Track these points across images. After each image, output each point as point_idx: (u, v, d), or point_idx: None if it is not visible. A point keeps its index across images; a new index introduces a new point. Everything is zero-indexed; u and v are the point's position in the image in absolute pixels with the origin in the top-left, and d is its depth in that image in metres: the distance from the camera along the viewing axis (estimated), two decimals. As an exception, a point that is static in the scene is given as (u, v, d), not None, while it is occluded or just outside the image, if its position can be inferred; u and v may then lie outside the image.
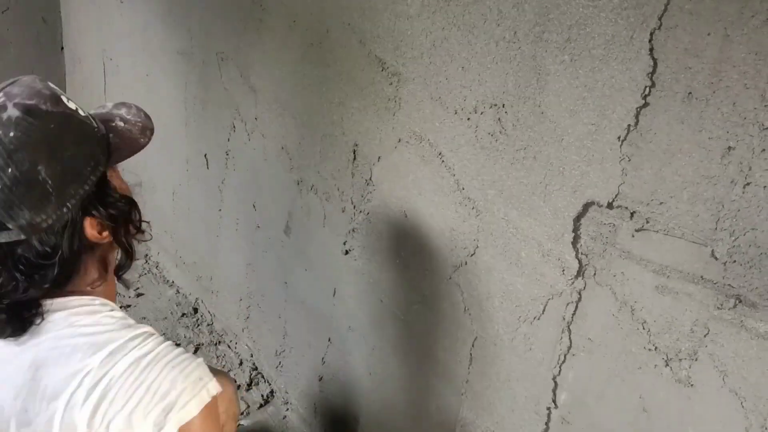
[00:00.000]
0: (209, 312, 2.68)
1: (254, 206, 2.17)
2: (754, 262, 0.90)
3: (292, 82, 1.83)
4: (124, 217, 0.99)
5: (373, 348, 1.74)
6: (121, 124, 1.03)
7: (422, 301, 1.52)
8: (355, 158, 1.64)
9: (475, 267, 1.35)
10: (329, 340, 1.93)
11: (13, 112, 0.85)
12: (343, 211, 1.73)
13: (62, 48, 3.71)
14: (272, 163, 2.01)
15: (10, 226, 0.84)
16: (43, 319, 0.92)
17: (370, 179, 1.60)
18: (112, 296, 1.04)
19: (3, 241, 0.86)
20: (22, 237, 0.86)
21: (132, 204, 1.01)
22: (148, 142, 1.06)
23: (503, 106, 1.21)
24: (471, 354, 1.41)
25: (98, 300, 0.97)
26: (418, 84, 1.39)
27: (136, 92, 2.83)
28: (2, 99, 0.87)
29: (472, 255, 1.35)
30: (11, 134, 0.83)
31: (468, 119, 1.29)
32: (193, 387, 0.91)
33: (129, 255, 1.03)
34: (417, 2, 1.34)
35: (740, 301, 0.93)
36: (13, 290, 0.89)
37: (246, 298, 2.36)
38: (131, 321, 0.96)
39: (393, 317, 1.63)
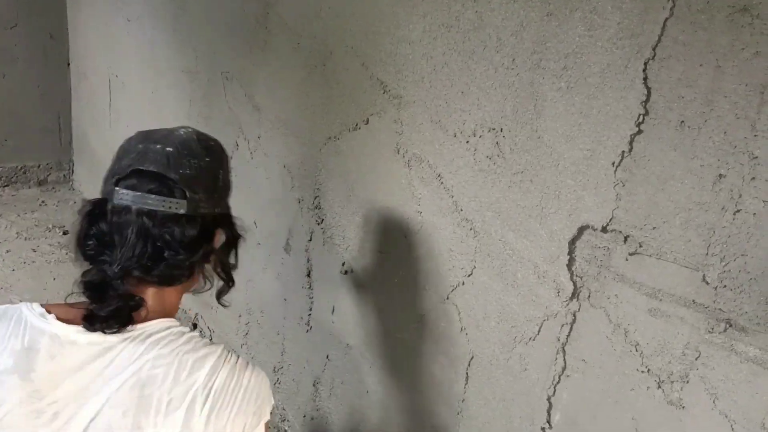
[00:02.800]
0: (208, 327, 2.69)
1: (255, 223, 2.19)
2: (744, 288, 0.92)
3: (295, 102, 1.86)
4: (228, 248, 1.15)
5: (370, 366, 1.75)
6: None
7: (420, 321, 1.54)
8: (356, 178, 1.67)
9: (472, 287, 1.37)
10: (327, 357, 1.94)
11: (213, 138, 1.14)
12: (343, 230, 1.76)
13: (69, 64, 3.76)
14: (274, 182, 2.03)
15: (187, 195, 1.02)
16: (133, 322, 1.02)
17: (370, 199, 1.62)
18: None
19: (173, 211, 1.02)
20: (182, 211, 1.02)
21: (239, 239, 1.18)
22: None
23: (501, 130, 1.24)
24: (467, 373, 1.43)
25: (178, 323, 1.09)
26: (419, 107, 1.42)
27: (142, 108, 2.87)
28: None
29: (469, 275, 1.37)
30: (211, 142, 1.12)
31: (467, 142, 1.31)
32: (269, 395, 1.09)
33: (227, 281, 1.18)
34: (419, 28, 1.37)
35: (730, 326, 0.95)
36: (141, 256, 1.00)
37: (245, 314, 2.38)
38: (207, 340, 1.10)
39: (391, 336, 1.64)
